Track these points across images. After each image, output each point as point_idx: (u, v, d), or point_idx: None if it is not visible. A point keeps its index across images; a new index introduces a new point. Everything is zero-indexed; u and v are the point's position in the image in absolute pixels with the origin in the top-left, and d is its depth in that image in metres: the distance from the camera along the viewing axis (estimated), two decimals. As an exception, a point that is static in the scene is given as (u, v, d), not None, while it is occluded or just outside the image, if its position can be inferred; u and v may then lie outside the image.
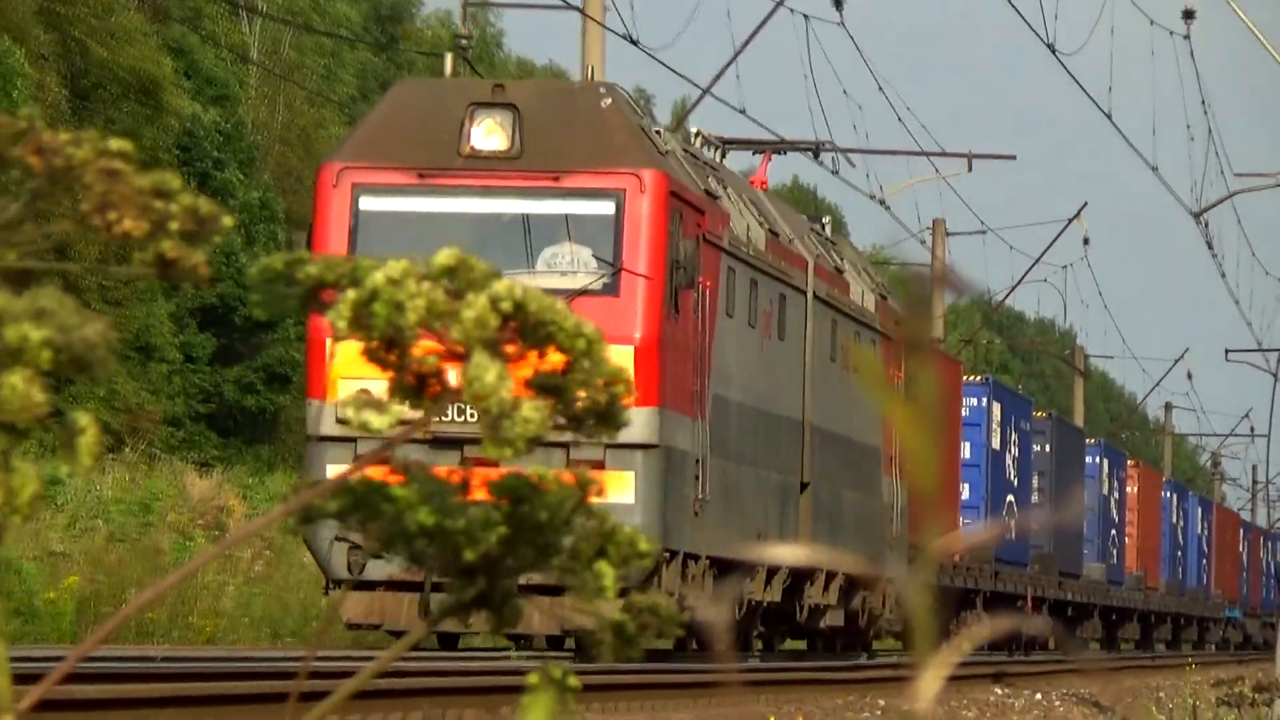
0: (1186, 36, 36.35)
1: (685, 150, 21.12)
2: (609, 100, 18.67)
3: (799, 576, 23.64)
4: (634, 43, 27.95)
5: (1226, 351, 60.49)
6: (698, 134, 22.87)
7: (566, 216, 18.33)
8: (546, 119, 18.51)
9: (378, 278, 1.30)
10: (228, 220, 1.41)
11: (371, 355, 1.32)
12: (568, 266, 18.09)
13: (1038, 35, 30.21)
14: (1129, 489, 51.98)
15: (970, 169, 42.89)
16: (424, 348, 1.28)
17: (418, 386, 1.31)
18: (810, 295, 25.06)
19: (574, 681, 1.41)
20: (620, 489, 17.78)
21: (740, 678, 17.26)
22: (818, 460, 23.84)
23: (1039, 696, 19.66)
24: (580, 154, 18.32)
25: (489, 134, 18.66)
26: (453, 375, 1.31)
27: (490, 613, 1.32)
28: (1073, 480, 45.14)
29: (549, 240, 18.25)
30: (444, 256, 1.32)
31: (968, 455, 36.37)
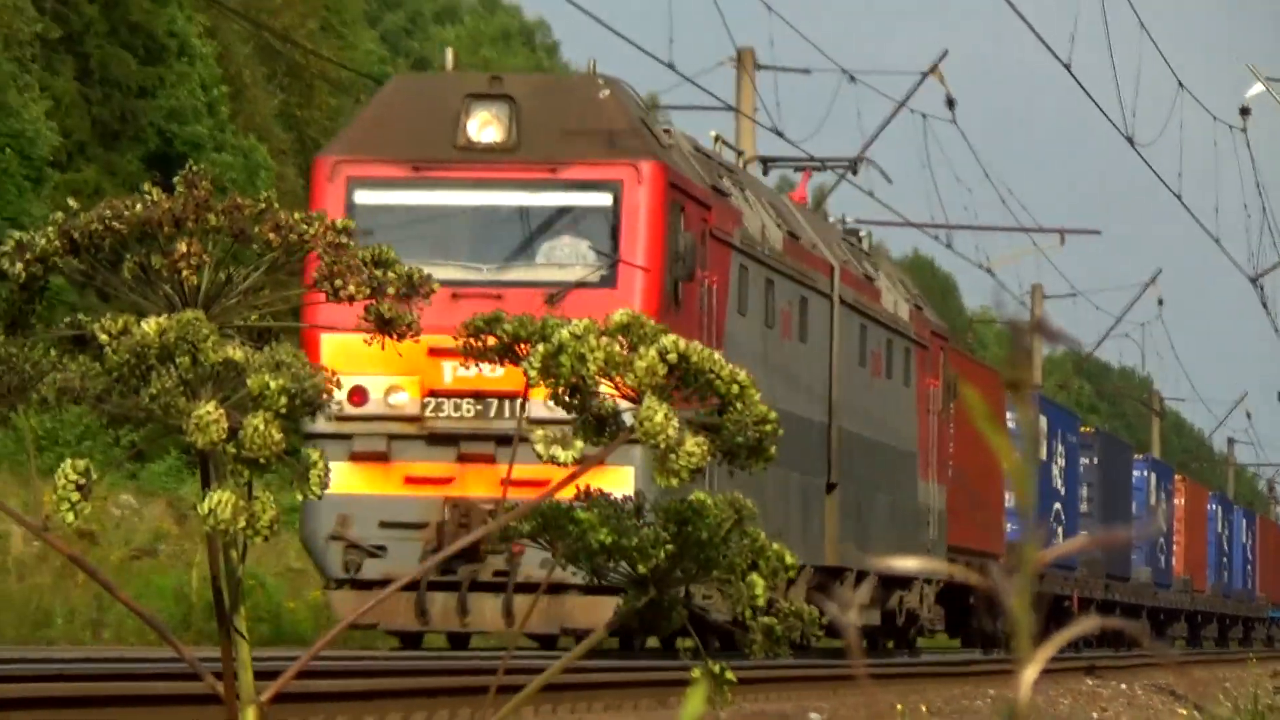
0: (1244, 130, 40.87)
1: (696, 149, 20.80)
2: (607, 92, 18.30)
3: (828, 575, 23.71)
4: (780, 134, 32.25)
5: (1279, 394, 65.51)
6: (717, 138, 22.84)
7: (564, 209, 17.89)
8: (544, 111, 18.15)
9: (564, 333, 1.53)
10: (437, 285, 1.64)
11: (557, 399, 1.55)
12: (566, 259, 17.59)
13: (1119, 129, 34.98)
14: (1177, 501, 54.33)
15: (1062, 242, 48.92)
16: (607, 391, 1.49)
17: (598, 425, 1.54)
18: (836, 299, 24.63)
19: (730, 675, 1.65)
20: (620, 484, 17.23)
21: (868, 671, 17.24)
22: (845, 462, 23.72)
23: (1124, 686, 21.02)
24: (578, 145, 17.93)
25: (485, 126, 18.24)
26: (628, 416, 1.53)
27: (659, 616, 1.55)
28: (1121, 492, 46.82)
29: (546, 232, 17.79)
30: (619, 315, 1.54)
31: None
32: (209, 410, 1.54)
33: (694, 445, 1.55)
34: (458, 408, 17.51)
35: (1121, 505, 46.95)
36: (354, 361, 16.63)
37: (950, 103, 36.13)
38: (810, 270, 23.25)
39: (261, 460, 1.56)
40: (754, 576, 1.58)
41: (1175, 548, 52.97)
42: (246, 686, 1.60)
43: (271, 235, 1.56)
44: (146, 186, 1.60)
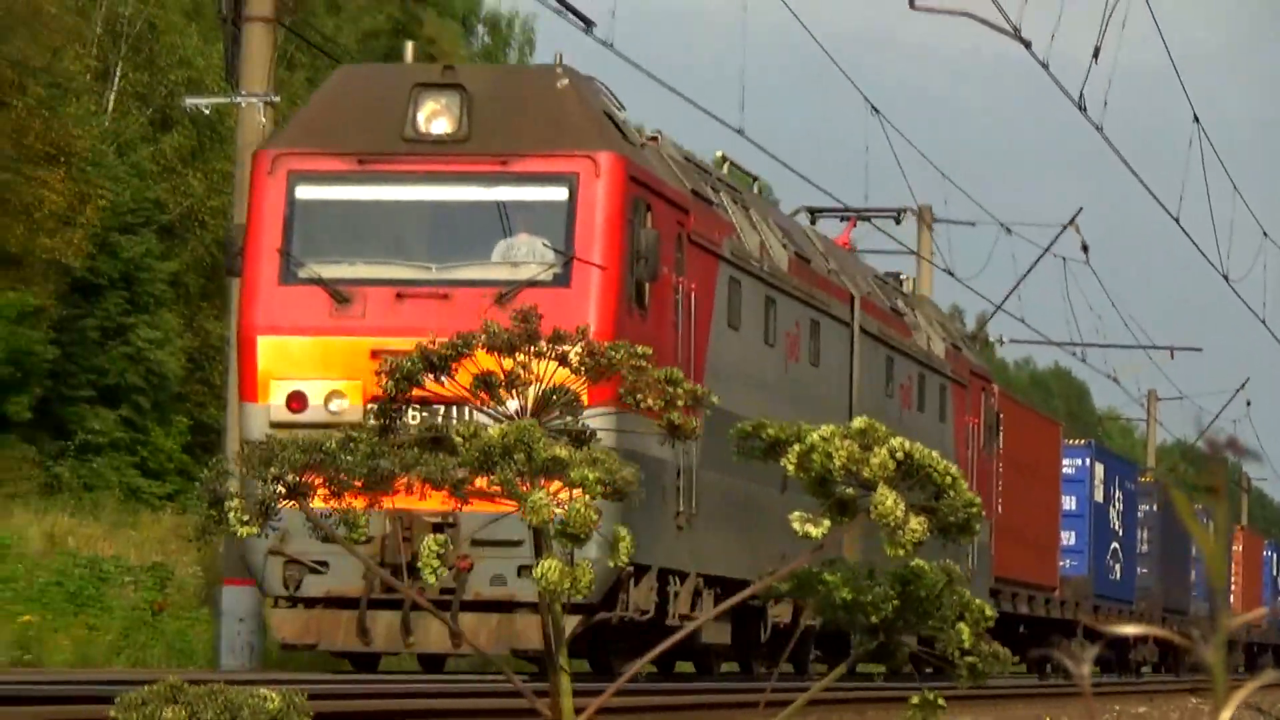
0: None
1: (687, 158, 20.04)
2: (566, 82, 17.02)
3: None
4: (950, 274, 41.89)
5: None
6: (723, 159, 22.00)
7: (516, 203, 16.58)
8: (498, 102, 16.82)
9: (815, 436, 1.97)
10: (714, 399, 2.09)
11: (808, 487, 1.98)
12: (518, 257, 16.33)
13: (1216, 268, 41.47)
14: (1235, 547, 60.11)
15: (1172, 356, 63.31)
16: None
17: (841, 508, 1.97)
18: (856, 328, 24.55)
19: (940, 700, 2.07)
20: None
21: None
22: None
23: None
24: (532, 137, 16.59)
25: (434, 117, 16.81)
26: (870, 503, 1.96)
27: (886, 656, 1.99)
28: (1179, 536, 50.57)
29: (498, 228, 16.55)
30: (858, 422, 1.98)
31: (1072, 507, 40.80)
32: (541, 496, 1.99)
33: (917, 524, 2.00)
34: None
35: (1180, 548, 51.47)
36: (292, 365, 16.35)
37: (1085, 248, 45.00)
38: (824, 295, 22.90)
39: (581, 536, 2.00)
40: (962, 626, 2.01)
41: (1234, 587, 59.57)
42: (568, 712, 2.04)
43: (587, 360, 2.00)
44: (487, 320, 2.04)
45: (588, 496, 2.01)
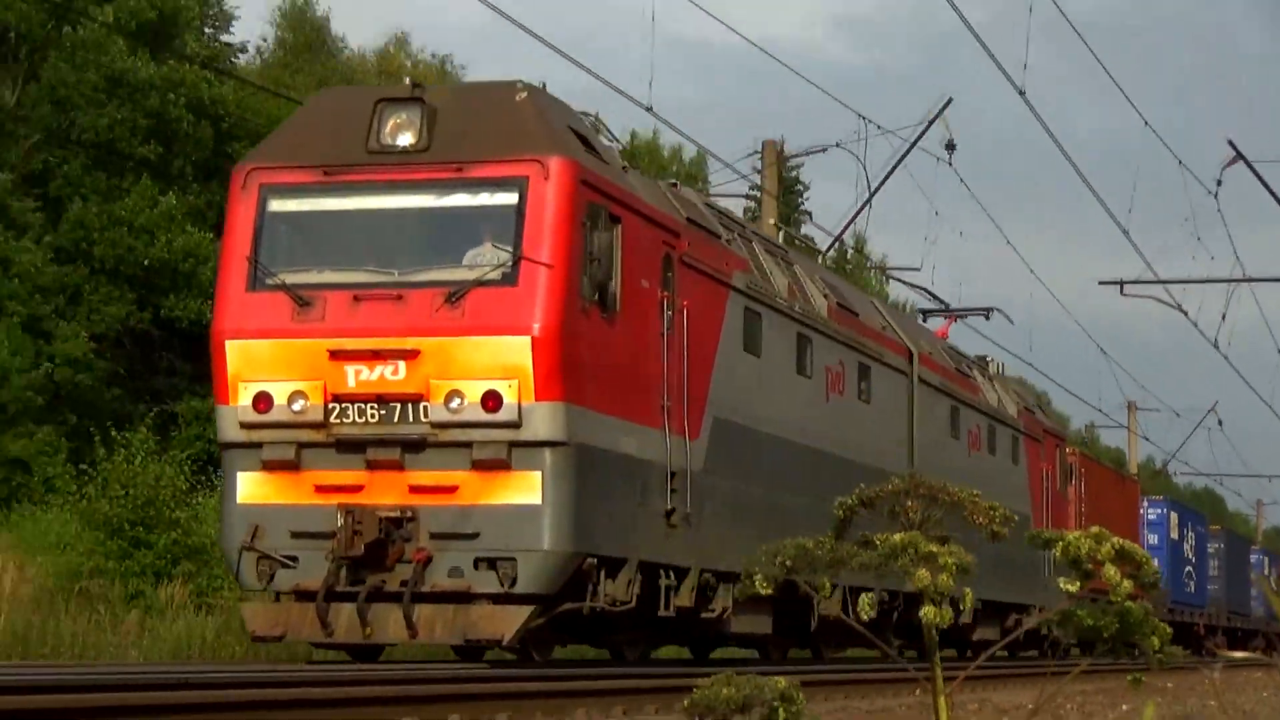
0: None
1: (707, 204, 22.00)
2: (524, 94, 17.52)
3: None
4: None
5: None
6: (712, 203, 23.27)
7: (469, 208, 17.06)
8: (459, 114, 17.38)
9: (1070, 537, 3.71)
10: (1014, 530, 3.85)
11: (1059, 571, 3.73)
12: (470, 259, 16.73)
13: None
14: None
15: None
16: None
17: (1085, 574, 3.71)
18: (915, 378, 28.00)
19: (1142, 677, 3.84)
20: (526, 490, 16.33)
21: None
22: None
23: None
24: (488, 145, 17.05)
25: (396, 129, 17.25)
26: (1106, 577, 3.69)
27: (1120, 653, 3.73)
28: (1240, 567, 70.79)
29: (452, 232, 17.12)
30: (1095, 530, 3.73)
31: (1154, 542, 55.31)
32: (924, 574, 3.73)
33: (1127, 583, 3.74)
34: (361, 413, 16.61)
35: (1241, 575, 70.34)
36: (259, 367, 16.87)
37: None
38: (875, 345, 26.00)
39: (944, 594, 3.74)
40: (1153, 638, 3.76)
41: None
42: (938, 682, 3.79)
43: (943, 497, 3.77)
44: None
45: (945, 575, 3.74)
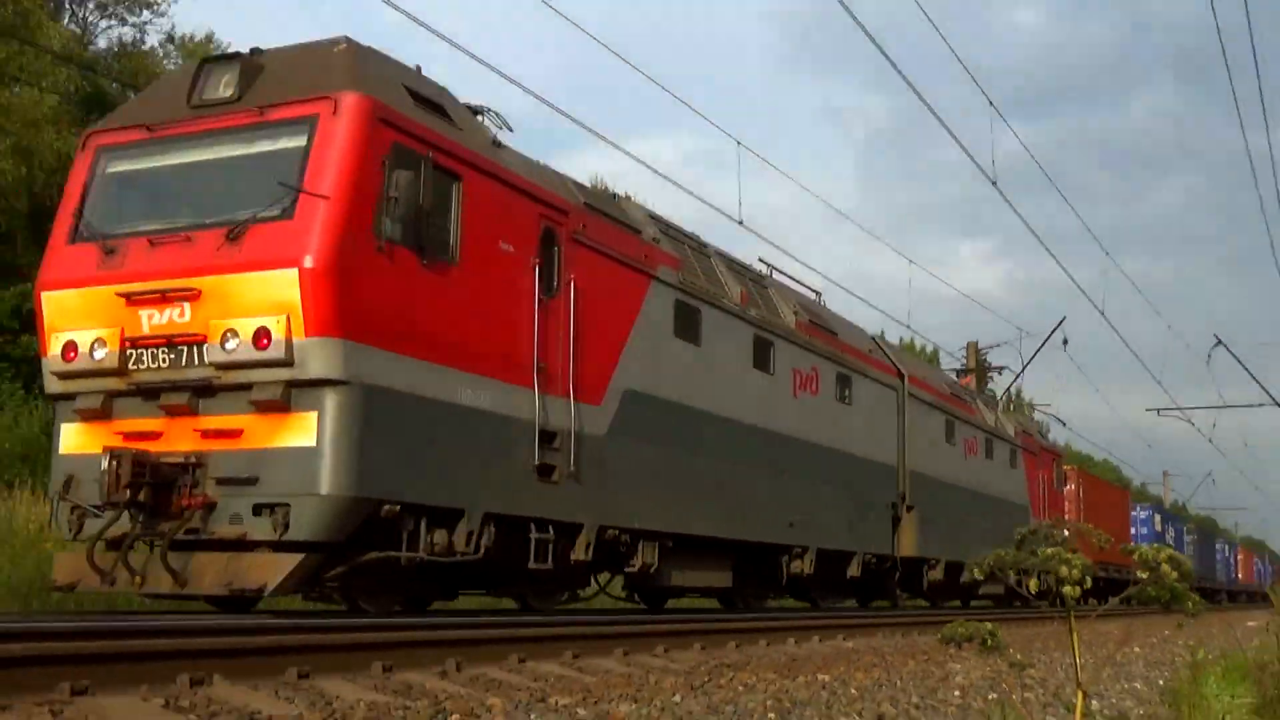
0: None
1: (651, 216, 23.86)
2: (344, 46, 17.40)
3: (909, 562, 33.06)
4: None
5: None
6: (663, 218, 24.34)
7: (265, 150, 16.68)
8: (277, 68, 17.52)
9: (1145, 549, 6.74)
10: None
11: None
12: (259, 198, 16.25)
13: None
14: (1239, 556, 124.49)
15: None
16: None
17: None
18: (905, 394, 32.94)
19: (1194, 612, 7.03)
20: (302, 432, 15.68)
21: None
22: (921, 492, 33.32)
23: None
24: (290, 90, 16.88)
25: (215, 84, 17.34)
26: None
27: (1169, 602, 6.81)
28: (1210, 555, 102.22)
29: (253, 176, 16.54)
30: (1161, 549, 6.78)
31: (1144, 532, 71.53)
32: (1064, 569, 6.75)
33: (1173, 573, 6.76)
34: (154, 358, 16.45)
35: (1208, 555, 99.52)
36: (68, 316, 17.05)
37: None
38: (856, 360, 30.47)
39: (1081, 586, 6.75)
40: (1189, 602, 6.79)
41: (1239, 570, 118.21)
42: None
43: (1056, 534, 6.80)
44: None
45: (1077, 570, 6.69)
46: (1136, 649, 22.13)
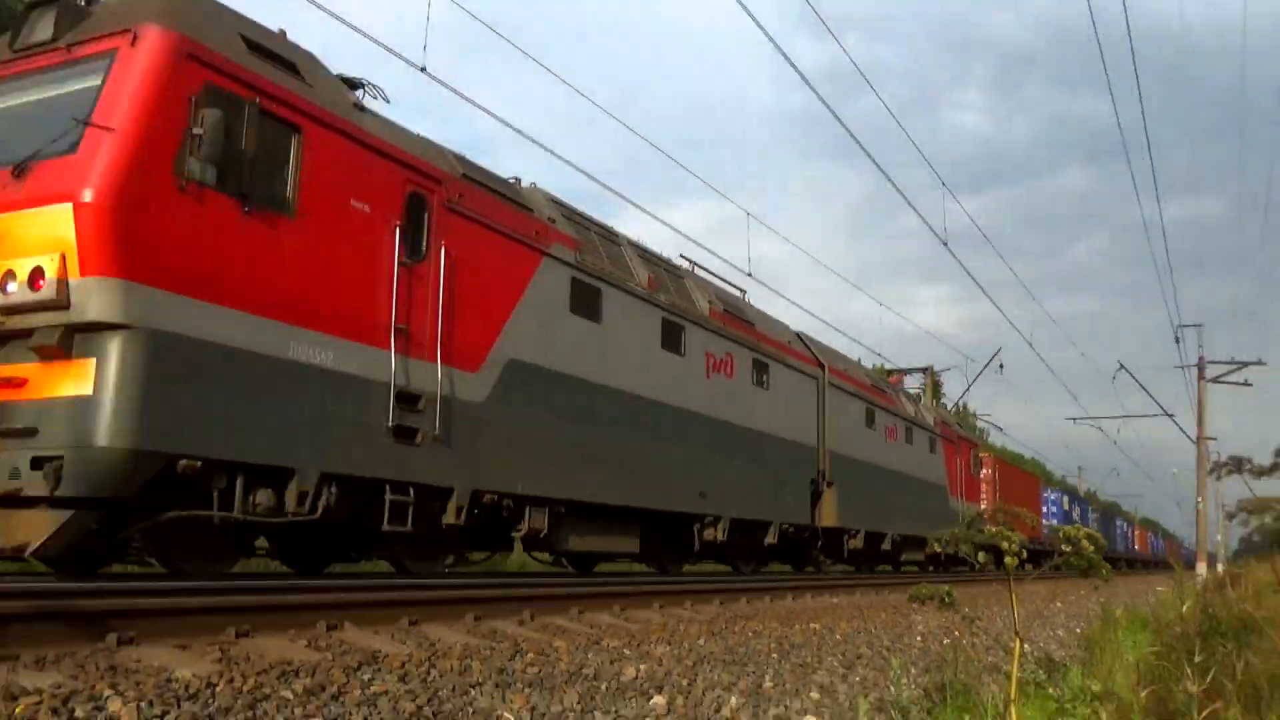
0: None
1: (554, 200, 19.96)
2: None
3: (830, 533, 30.12)
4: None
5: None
6: (574, 207, 20.71)
7: (67, 88, 13.27)
8: (100, 12, 14.01)
9: (1070, 528, 6.89)
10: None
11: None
12: (52, 134, 12.69)
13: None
14: (1136, 532, 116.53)
15: None
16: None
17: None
18: (825, 381, 29.63)
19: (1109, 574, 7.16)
20: (80, 380, 12.17)
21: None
22: (841, 470, 30.04)
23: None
24: (99, 27, 13.58)
25: (35, 28, 14.04)
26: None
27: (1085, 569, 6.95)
28: (1110, 531, 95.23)
29: (56, 114, 13.00)
30: (1080, 528, 6.96)
31: (1054, 511, 69.48)
32: (1006, 543, 6.90)
33: (1090, 545, 6.90)
34: None
35: (1109, 530, 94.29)
36: None
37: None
38: (773, 349, 26.80)
39: (1019, 557, 6.90)
40: (1011, 544, 6.98)
41: (1136, 543, 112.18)
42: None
43: (1006, 515, 6.93)
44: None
45: (1010, 543, 6.84)
46: (1059, 605, 22.27)
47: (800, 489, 28.10)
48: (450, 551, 18.05)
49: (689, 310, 22.82)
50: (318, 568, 17.42)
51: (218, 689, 7.82)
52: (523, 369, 17.87)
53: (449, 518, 16.15)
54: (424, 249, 15.86)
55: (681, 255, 26.27)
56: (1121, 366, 59.68)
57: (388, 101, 16.40)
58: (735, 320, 25.49)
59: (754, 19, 18.03)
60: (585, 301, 19.50)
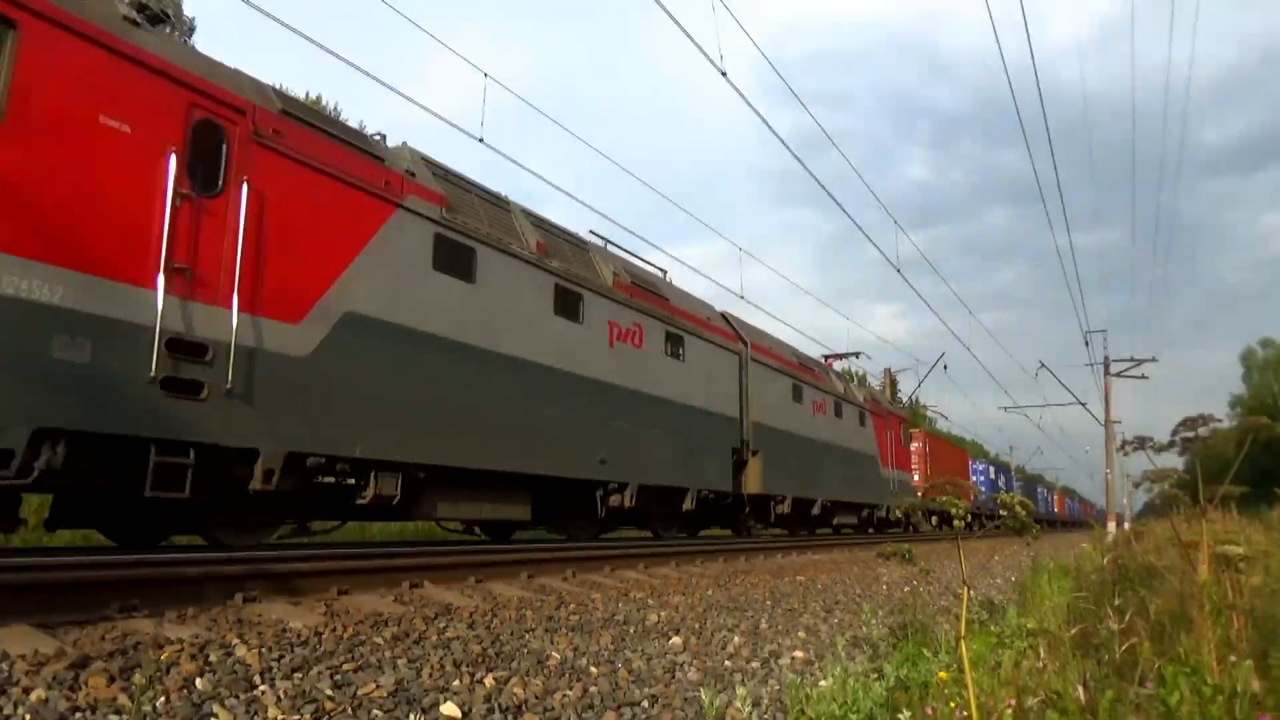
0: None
1: (425, 160, 15.32)
2: None
3: (756, 499, 24.99)
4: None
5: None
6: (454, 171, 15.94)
7: None
8: None
9: (1008, 496, 6.72)
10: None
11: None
12: None
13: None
14: (1055, 496, 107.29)
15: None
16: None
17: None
18: (747, 359, 24.32)
19: (1037, 533, 6.99)
20: None
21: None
22: (763, 440, 24.79)
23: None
24: None
25: None
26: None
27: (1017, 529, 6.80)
28: (1031, 492, 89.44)
29: None
30: (1014, 495, 6.76)
31: (981, 480, 64.43)
32: (955, 510, 6.73)
33: (1024, 511, 6.73)
34: None
35: (1034, 499, 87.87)
36: None
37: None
38: (687, 322, 21.22)
39: (965, 520, 6.73)
40: (959, 510, 6.76)
41: (1056, 506, 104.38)
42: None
43: (952, 488, 6.75)
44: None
45: (961, 510, 6.66)
46: (997, 559, 21.90)
47: (721, 457, 22.70)
48: (280, 522, 13.27)
49: (589, 280, 18.28)
50: (138, 541, 12.61)
51: (323, 636, 7.85)
52: (366, 324, 13.45)
53: (256, 483, 11.84)
54: (220, 183, 11.77)
55: (591, 231, 20.87)
56: (1042, 365, 59.34)
57: (167, 18, 12.24)
58: (646, 293, 20.32)
59: (742, 95, 18.01)
60: (455, 260, 15.13)
